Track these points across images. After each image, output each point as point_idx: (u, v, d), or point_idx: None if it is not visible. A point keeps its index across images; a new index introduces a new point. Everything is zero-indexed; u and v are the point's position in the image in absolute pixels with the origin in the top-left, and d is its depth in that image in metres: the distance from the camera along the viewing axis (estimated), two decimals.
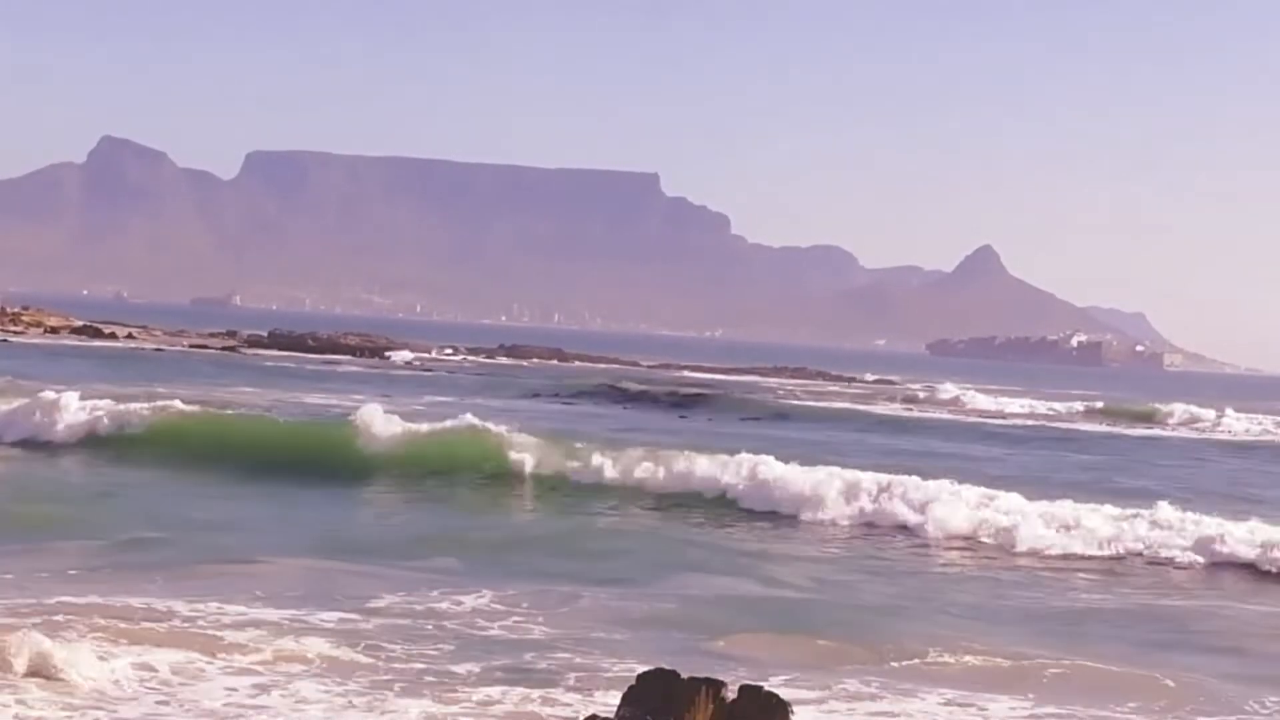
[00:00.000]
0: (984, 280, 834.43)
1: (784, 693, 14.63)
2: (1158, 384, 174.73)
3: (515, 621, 17.35)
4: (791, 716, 13.22)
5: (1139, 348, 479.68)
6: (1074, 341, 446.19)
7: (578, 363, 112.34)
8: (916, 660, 16.42)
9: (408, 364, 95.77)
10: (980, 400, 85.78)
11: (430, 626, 16.81)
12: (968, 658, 16.57)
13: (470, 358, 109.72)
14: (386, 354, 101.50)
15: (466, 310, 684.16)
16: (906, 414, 71.54)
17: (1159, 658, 17.51)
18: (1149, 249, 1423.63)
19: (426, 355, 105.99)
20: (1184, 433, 70.90)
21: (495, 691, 14.18)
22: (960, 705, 14.68)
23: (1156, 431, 70.03)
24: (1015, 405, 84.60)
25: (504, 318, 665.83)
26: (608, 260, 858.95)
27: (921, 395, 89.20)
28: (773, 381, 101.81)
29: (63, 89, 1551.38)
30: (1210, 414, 79.09)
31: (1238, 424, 77.20)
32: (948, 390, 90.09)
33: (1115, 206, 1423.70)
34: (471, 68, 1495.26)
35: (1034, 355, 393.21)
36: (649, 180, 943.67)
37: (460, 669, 14.90)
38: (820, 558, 24.83)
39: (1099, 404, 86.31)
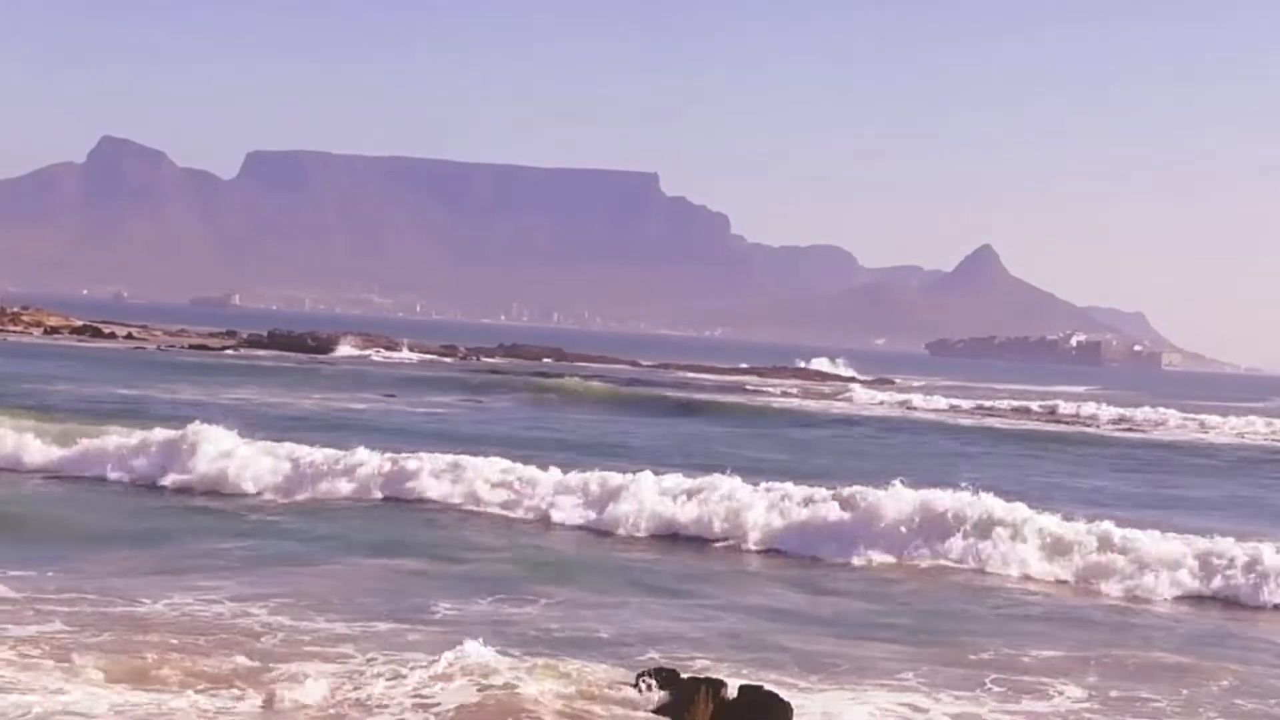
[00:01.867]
0: (984, 280, 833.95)
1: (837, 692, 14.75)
2: (1147, 383, 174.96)
3: None
4: (793, 715, 13.21)
5: (1137, 347, 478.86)
6: (1073, 341, 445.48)
7: (577, 363, 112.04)
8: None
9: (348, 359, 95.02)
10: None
11: None
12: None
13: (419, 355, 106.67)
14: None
15: (466, 310, 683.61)
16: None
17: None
18: (1149, 249, 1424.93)
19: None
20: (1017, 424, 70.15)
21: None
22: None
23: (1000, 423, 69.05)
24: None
25: (504, 317, 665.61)
26: (607, 260, 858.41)
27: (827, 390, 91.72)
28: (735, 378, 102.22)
29: (63, 89, 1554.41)
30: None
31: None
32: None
33: (1115, 206, 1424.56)
34: (471, 68, 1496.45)
35: (1033, 355, 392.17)
36: (649, 180, 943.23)
37: None
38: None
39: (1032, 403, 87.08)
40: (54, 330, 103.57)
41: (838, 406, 75.07)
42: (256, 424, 34.25)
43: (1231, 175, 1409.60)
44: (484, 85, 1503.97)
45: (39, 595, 17.74)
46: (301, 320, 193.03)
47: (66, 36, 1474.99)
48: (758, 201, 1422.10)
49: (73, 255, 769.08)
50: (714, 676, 13.84)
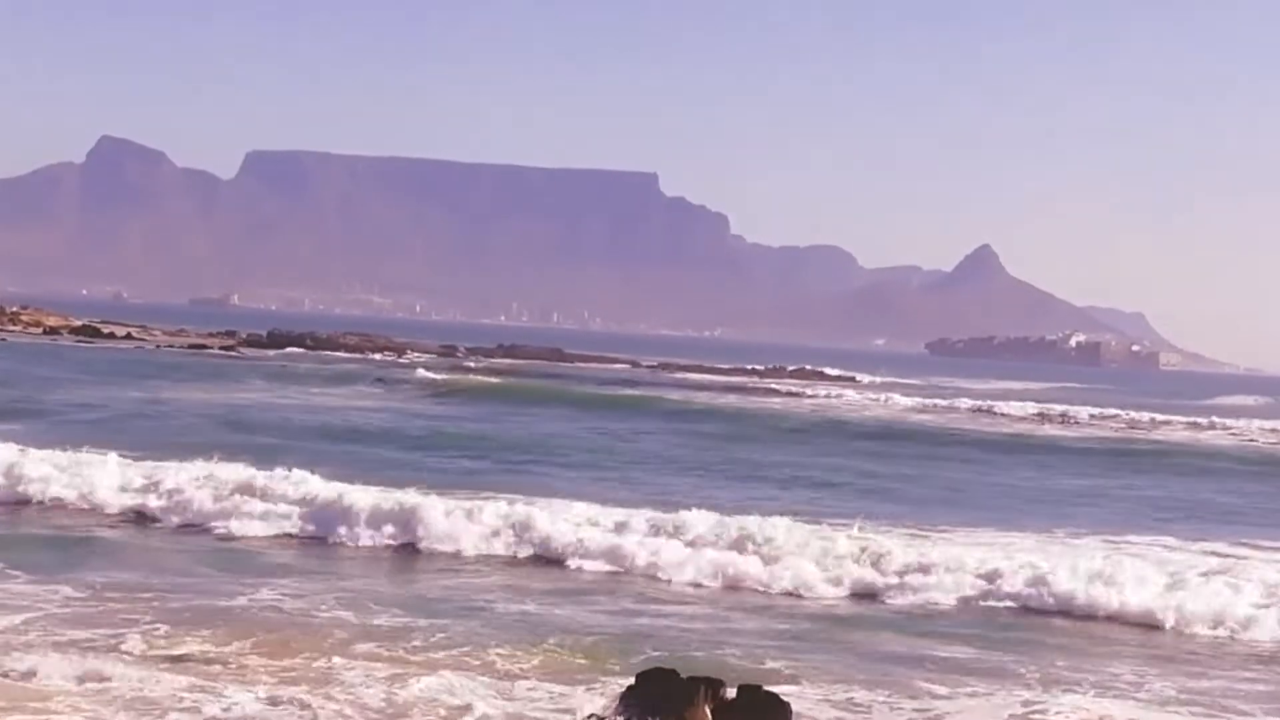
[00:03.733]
0: (983, 280, 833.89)
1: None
2: (1135, 382, 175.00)
3: None
4: (792, 716, 13.17)
5: (1135, 348, 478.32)
6: (1072, 342, 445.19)
7: (577, 364, 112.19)
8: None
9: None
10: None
11: None
12: None
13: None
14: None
15: (466, 310, 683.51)
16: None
17: None
18: (1149, 249, 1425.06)
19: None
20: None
21: None
22: None
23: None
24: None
25: (504, 318, 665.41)
26: (607, 260, 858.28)
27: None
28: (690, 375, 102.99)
29: (63, 89, 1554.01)
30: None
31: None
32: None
33: (1116, 206, 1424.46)
34: (471, 68, 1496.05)
35: (1033, 355, 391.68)
36: (649, 180, 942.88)
37: None
38: None
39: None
40: (53, 330, 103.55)
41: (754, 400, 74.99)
42: None
43: (1232, 175, 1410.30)
44: (484, 85, 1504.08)
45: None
46: (301, 320, 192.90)
47: (66, 36, 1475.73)
48: (758, 201, 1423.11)
49: (72, 255, 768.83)
50: (713, 677, 13.79)
